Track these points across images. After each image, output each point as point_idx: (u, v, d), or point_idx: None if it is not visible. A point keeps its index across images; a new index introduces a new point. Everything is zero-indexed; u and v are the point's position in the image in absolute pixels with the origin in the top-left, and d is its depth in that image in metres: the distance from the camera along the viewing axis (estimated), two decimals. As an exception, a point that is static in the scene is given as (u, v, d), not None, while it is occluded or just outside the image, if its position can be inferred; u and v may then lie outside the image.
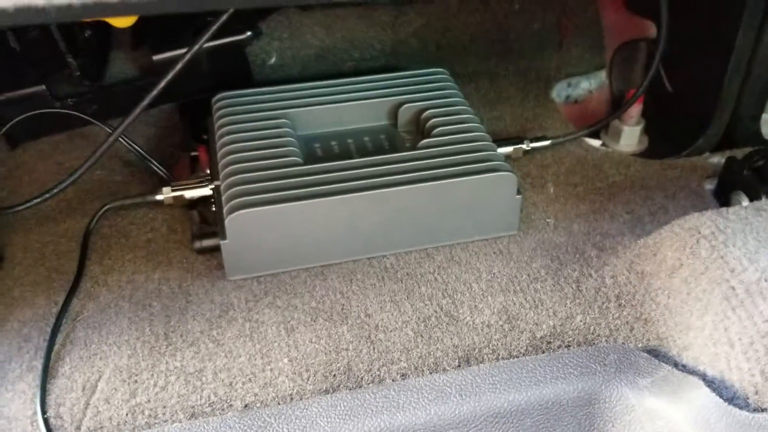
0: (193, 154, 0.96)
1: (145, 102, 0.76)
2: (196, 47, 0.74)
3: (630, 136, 1.03)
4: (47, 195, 0.81)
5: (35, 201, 0.82)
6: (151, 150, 0.94)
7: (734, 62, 0.92)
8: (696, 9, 0.95)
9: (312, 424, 0.66)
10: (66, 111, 0.95)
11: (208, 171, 0.89)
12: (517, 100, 1.10)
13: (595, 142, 1.03)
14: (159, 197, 0.86)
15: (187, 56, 0.73)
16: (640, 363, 0.70)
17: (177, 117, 1.02)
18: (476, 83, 1.10)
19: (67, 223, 0.89)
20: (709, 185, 0.93)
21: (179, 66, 0.73)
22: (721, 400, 0.64)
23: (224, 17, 0.74)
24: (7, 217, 0.90)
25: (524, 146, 0.94)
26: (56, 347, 0.74)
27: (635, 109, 1.02)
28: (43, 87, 0.95)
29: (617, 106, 1.11)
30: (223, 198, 0.78)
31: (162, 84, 0.74)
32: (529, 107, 1.08)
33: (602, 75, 1.13)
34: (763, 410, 0.64)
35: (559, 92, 1.13)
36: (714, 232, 0.73)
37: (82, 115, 0.94)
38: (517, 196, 0.83)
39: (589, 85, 1.14)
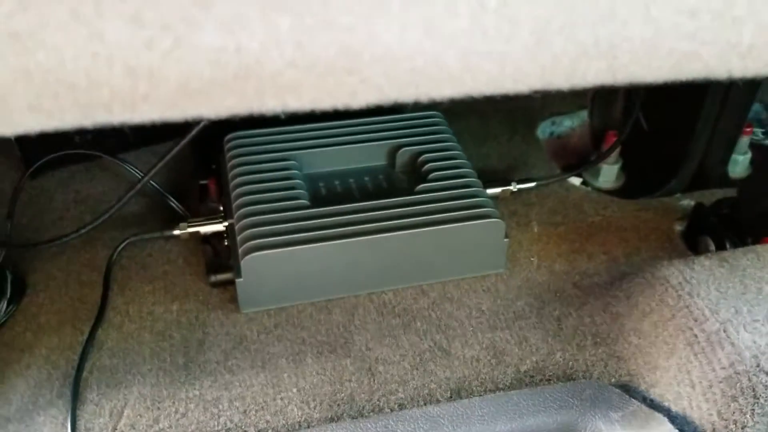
0: (202, 182, 1.02)
1: (174, 151, 0.83)
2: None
3: (608, 174, 1.12)
4: (74, 234, 0.87)
5: (64, 239, 0.88)
6: (163, 181, 1.01)
7: (704, 115, 1.00)
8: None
9: (319, 450, 0.74)
10: (95, 153, 1.02)
11: (220, 206, 0.95)
12: (504, 138, 1.17)
13: (576, 180, 1.11)
14: (176, 232, 0.93)
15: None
16: (613, 398, 0.78)
17: (188, 149, 1.08)
18: (467, 121, 1.17)
19: (88, 253, 0.95)
20: (679, 227, 1.02)
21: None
22: (682, 435, 0.73)
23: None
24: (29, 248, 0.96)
25: (512, 188, 1.02)
26: (84, 375, 0.81)
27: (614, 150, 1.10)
28: (65, 122, 1.00)
29: (597, 142, 1.19)
30: (238, 239, 0.85)
31: (194, 131, 0.82)
32: (515, 145, 1.16)
33: (584, 114, 1.21)
34: (718, 447, 0.72)
35: (543, 129, 1.21)
36: (681, 282, 0.81)
37: (112, 158, 1.02)
38: (505, 240, 0.91)
39: (572, 123, 1.22)
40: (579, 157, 1.17)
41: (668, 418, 0.75)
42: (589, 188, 1.10)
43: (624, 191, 1.11)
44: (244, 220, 0.86)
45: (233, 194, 0.90)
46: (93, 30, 0.38)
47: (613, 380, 0.82)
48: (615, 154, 1.11)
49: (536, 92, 0.48)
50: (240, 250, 0.83)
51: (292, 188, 0.91)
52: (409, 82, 0.45)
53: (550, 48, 0.45)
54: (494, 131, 1.18)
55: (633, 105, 1.10)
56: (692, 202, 1.04)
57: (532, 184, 1.04)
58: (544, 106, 1.21)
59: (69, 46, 0.38)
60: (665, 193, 1.08)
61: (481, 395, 0.80)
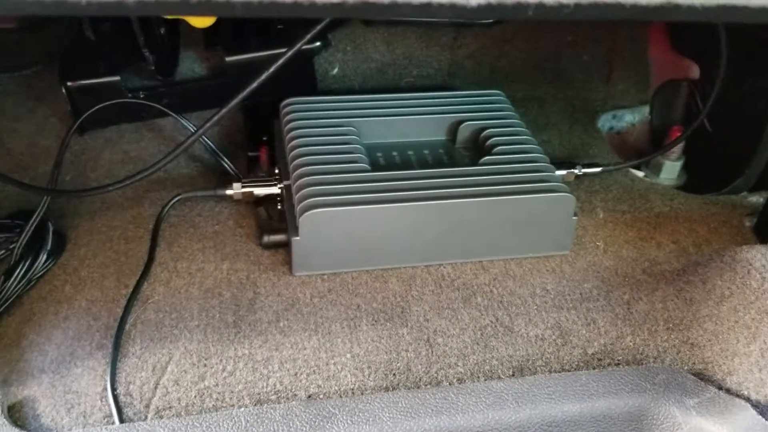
0: (251, 154, 0.99)
1: (231, 104, 0.78)
2: (294, 49, 0.77)
3: (670, 171, 1.07)
4: (121, 184, 0.83)
5: (110, 188, 0.84)
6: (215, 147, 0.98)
7: None
8: (740, 54, 0.99)
9: (375, 418, 0.69)
10: (150, 103, 0.98)
11: (276, 171, 0.92)
12: (564, 127, 1.14)
13: (639, 173, 1.07)
14: (229, 192, 0.89)
15: (283, 59, 0.77)
16: (688, 384, 0.73)
17: (240, 119, 1.05)
18: (526, 108, 1.13)
19: (134, 210, 0.92)
20: (749, 222, 0.97)
21: (273, 68, 0.76)
22: (767, 423, 0.67)
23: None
24: (72, 202, 0.93)
25: (576, 171, 0.98)
26: (126, 328, 0.76)
27: (678, 145, 1.06)
28: (117, 78, 0.98)
29: (657, 140, 1.15)
30: (296, 197, 0.81)
31: (253, 86, 0.77)
32: (576, 135, 1.12)
33: (646, 110, 1.17)
34: (807, 436, 0.67)
35: (604, 123, 1.17)
36: (765, 264, 0.77)
37: (164, 108, 0.98)
38: (573, 218, 0.86)
39: (633, 119, 1.18)
40: (637, 156, 1.13)
41: (750, 405, 0.70)
42: (652, 181, 1.06)
43: (686, 189, 1.06)
44: (303, 179, 0.82)
45: (290, 155, 0.87)
46: None
47: (686, 368, 0.76)
48: (678, 151, 1.07)
49: (669, 3, 0.44)
50: (298, 208, 0.80)
51: (352, 152, 0.87)
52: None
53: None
54: (554, 119, 1.14)
55: (699, 105, 1.06)
56: (761, 199, 0.99)
57: (598, 169, 1.00)
58: (605, 99, 1.17)
59: None
60: (731, 191, 1.03)
61: (546, 374, 0.75)
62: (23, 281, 0.81)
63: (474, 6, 0.43)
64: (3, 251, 0.84)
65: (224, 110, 0.81)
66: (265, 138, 0.99)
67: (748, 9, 0.49)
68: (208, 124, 0.82)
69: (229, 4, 0.40)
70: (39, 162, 0.99)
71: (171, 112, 0.97)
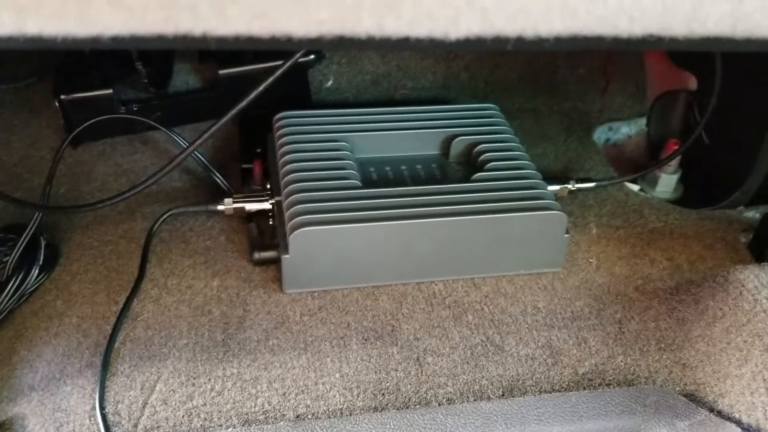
0: (245, 166, 0.99)
1: (223, 120, 0.78)
2: (285, 67, 0.77)
3: (667, 184, 1.06)
4: (111, 201, 0.82)
5: (99, 205, 0.83)
6: (207, 160, 0.97)
7: None
8: (738, 66, 0.98)
9: (363, 439, 0.69)
10: (142, 119, 0.98)
11: (268, 185, 0.91)
12: (560, 139, 1.13)
13: (634, 187, 1.06)
14: (220, 207, 0.89)
15: (273, 77, 0.76)
16: (679, 406, 0.73)
17: (235, 130, 1.05)
18: (521, 120, 1.13)
19: (126, 224, 0.91)
20: (744, 238, 0.96)
21: (263, 86, 0.76)
22: (757, 448, 0.67)
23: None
24: (64, 215, 0.92)
25: (570, 186, 0.98)
26: (116, 345, 0.76)
27: (674, 158, 1.05)
28: (110, 91, 0.98)
29: (654, 153, 1.14)
30: (286, 214, 0.81)
31: (243, 103, 0.76)
32: (572, 147, 1.12)
33: (642, 122, 1.17)
34: (797, 461, 0.67)
35: (600, 135, 1.17)
36: (757, 286, 0.76)
37: (158, 125, 0.97)
38: (566, 235, 0.86)
39: (629, 131, 1.17)
40: (634, 168, 1.13)
41: (740, 429, 0.69)
42: (648, 195, 1.05)
43: (682, 202, 1.06)
44: (294, 196, 0.82)
45: (282, 171, 0.87)
46: None
47: (677, 389, 0.76)
48: (674, 164, 1.06)
49: (651, 36, 0.43)
50: (288, 226, 0.79)
51: (343, 168, 0.87)
52: (519, 9, 0.41)
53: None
54: (549, 132, 1.14)
55: (697, 117, 1.05)
56: (757, 214, 0.99)
57: (591, 185, 0.99)
58: (601, 110, 1.17)
59: None
60: (727, 205, 1.02)
61: (535, 395, 0.74)
62: (15, 296, 0.81)
63: (452, 40, 0.43)
64: (-4, 265, 0.85)
65: (216, 126, 0.81)
66: (259, 150, 0.99)
67: (734, 40, 0.48)
68: (199, 141, 0.82)
69: (204, 39, 0.40)
70: (33, 174, 0.99)
71: (162, 128, 0.97)
